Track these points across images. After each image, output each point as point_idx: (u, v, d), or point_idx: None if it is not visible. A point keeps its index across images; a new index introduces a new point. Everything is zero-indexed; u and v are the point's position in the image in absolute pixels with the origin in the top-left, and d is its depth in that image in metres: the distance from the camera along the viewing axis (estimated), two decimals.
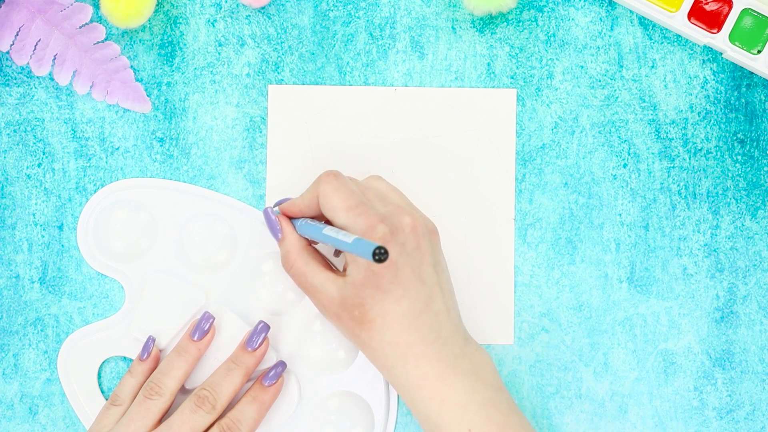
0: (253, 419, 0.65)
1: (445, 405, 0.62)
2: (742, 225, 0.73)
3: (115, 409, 0.66)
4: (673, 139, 0.73)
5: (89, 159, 0.73)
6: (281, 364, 0.68)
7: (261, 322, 0.68)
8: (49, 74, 0.72)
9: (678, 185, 0.73)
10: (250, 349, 0.67)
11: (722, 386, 0.72)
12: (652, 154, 0.73)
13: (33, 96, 0.72)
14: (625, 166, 0.73)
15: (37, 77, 0.72)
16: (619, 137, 0.73)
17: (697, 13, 0.72)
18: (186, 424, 0.64)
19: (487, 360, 0.64)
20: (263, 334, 0.67)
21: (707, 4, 0.72)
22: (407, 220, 0.63)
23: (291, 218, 0.67)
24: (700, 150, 0.73)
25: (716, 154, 0.73)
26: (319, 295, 0.64)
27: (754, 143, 0.73)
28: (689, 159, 0.73)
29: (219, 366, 0.67)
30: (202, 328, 0.67)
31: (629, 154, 0.73)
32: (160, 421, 0.65)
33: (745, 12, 0.72)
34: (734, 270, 0.73)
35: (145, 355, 0.68)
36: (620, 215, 0.73)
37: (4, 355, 0.72)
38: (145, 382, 0.67)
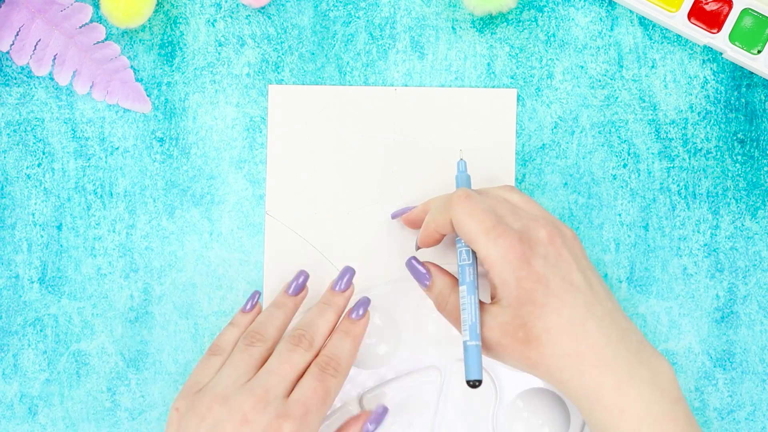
0: (349, 352, 0.66)
1: (623, 417, 0.59)
2: (742, 225, 0.73)
3: (216, 359, 0.66)
4: (673, 139, 0.73)
5: (89, 159, 0.72)
6: (366, 300, 0.68)
7: (347, 267, 0.69)
8: (49, 74, 0.72)
9: (678, 185, 0.73)
10: (338, 290, 0.68)
11: (723, 386, 0.72)
12: (652, 154, 0.73)
13: (33, 96, 0.72)
14: (624, 166, 0.73)
15: (37, 77, 0.72)
16: (618, 137, 0.73)
17: (697, 13, 0.72)
18: (285, 363, 0.64)
19: (664, 367, 0.61)
20: (349, 276, 0.69)
21: (707, 4, 0.72)
22: (543, 233, 0.61)
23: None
24: (700, 150, 0.73)
25: (716, 154, 0.73)
26: (482, 326, 0.63)
27: (754, 143, 0.73)
28: (689, 159, 0.73)
29: (310, 308, 0.68)
30: (298, 284, 0.69)
31: (629, 154, 0.73)
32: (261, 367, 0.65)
33: (745, 12, 0.72)
34: (734, 270, 0.73)
35: (249, 306, 0.69)
36: (620, 215, 0.73)
37: (4, 355, 0.72)
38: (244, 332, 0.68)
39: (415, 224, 0.69)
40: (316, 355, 0.65)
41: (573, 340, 0.59)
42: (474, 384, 0.61)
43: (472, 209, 0.62)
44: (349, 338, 0.66)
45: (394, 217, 0.71)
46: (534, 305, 0.60)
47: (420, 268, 0.67)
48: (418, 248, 0.70)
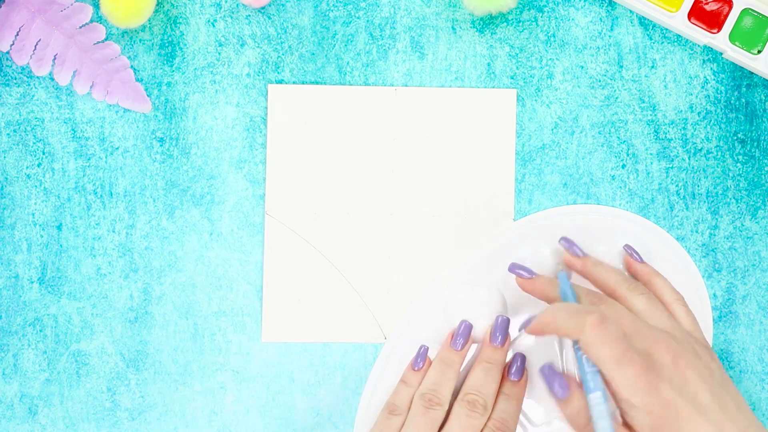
0: (515, 414, 0.66)
1: None
2: (742, 225, 0.73)
3: (396, 419, 0.66)
4: (672, 139, 0.73)
5: (89, 159, 0.72)
6: (520, 356, 0.68)
7: (500, 316, 0.67)
8: (49, 74, 0.72)
9: (677, 185, 0.73)
10: (496, 345, 0.67)
11: None
12: (651, 154, 0.73)
13: (33, 96, 0.72)
14: (623, 166, 0.73)
15: (37, 77, 0.72)
16: (618, 138, 0.73)
17: (697, 13, 0.72)
18: (466, 429, 0.65)
19: None
20: (504, 327, 0.67)
21: (707, 4, 0.72)
22: (667, 358, 0.60)
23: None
24: (700, 150, 0.73)
25: (716, 154, 0.73)
26: None
27: (755, 143, 0.73)
28: (689, 159, 0.73)
29: (472, 368, 0.67)
30: (465, 337, 0.68)
31: (628, 155, 0.73)
32: (440, 429, 0.66)
33: (745, 12, 0.72)
34: (733, 270, 0.73)
35: (420, 363, 0.68)
36: None
37: (4, 355, 0.72)
38: (416, 390, 0.68)
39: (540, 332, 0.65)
40: (489, 418, 0.66)
41: None
42: None
43: (606, 337, 0.60)
44: (513, 400, 0.67)
45: (521, 329, 0.69)
46: (663, 429, 0.59)
47: (560, 379, 0.63)
48: (520, 330, 0.68)
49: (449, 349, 0.68)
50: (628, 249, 0.67)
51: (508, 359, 0.68)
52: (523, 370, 0.67)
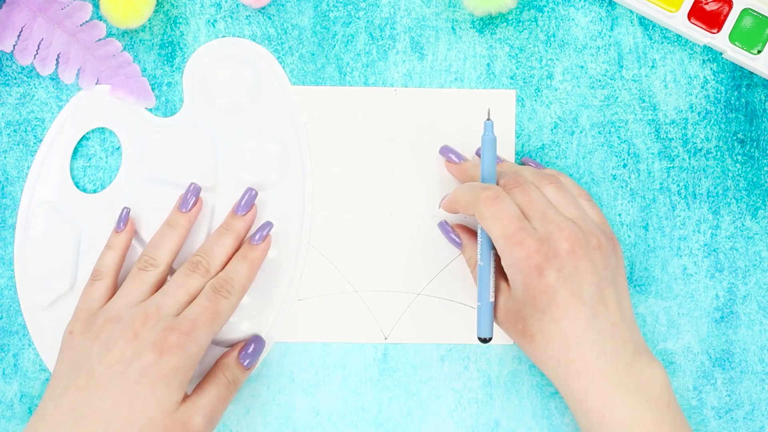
0: (245, 276, 0.66)
1: (605, 421, 0.61)
2: (743, 225, 0.73)
3: (99, 283, 0.67)
4: (673, 139, 0.73)
5: (89, 159, 0.73)
6: (268, 224, 0.68)
7: (249, 188, 0.69)
8: (52, 73, 0.72)
9: (678, 185, 0.73)
10: (239, 214, 0.68)
11: (722, 386, 0.72)
12: (652, 154, 0.73)
13: (33, 96, 0.73)
14: (624, 166, 0.73)
15: (37, 77, 0.72)
16: (618, 137, 0.73)
17: (697, 13, 0.72)
18: (181, 287, 0.65)
19: (656, 376, 0.62)
20: (249, 198, 0.69)
21: (707, 4, 0.72)
22: (564, 246, 0.62)
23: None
24: (700, 150, 0.73)
25: (716, 154, 0.73)
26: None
27: (755, 143, 0.73)
28: (689, 159, 0.73)
29: (211, 234, 0.68)
30: (188, 200, 0.68)
31: (629, 155, 0.73)
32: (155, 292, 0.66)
33: (745, 12, 0.72)
34: (734, 270, 0.73)
35: (121, 225, 0.69)
36: (620, 215, 0.73)
37: (4, 355, 0.72)
38: (124, 254, 0.68)
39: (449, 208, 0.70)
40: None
41: (564, 348, 0.62)
42: (485, 340, 0.66)
43: (497, 213, 0.62)
44: (246, 262, 0.67)
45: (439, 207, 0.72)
46: (535, 309, 0.62)
47: (452, 234, 0.70)
48: (440, 207, 0.72)
49: (176, 211, 0.68)
50: (527, 160, 0.71)
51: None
52: (266, 236, 0.68)
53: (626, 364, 0.62)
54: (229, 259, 0.67)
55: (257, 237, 0.68)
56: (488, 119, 0.67)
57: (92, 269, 0.68)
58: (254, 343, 0.69)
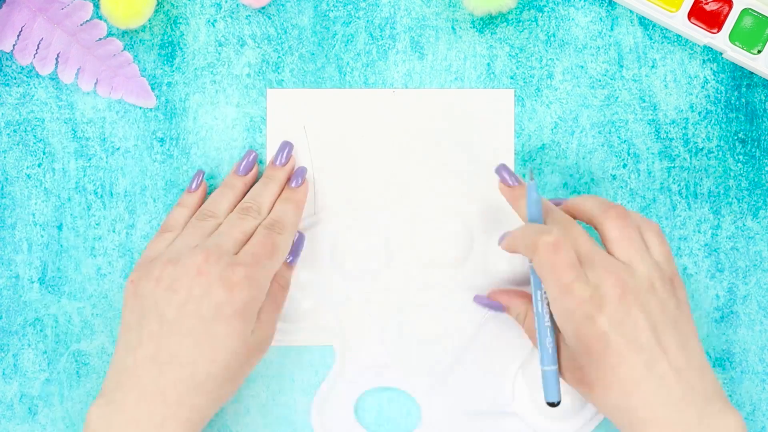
0: (293, 214, 0.69)
1: None
2: (744, 225, 0.73)
3: (168, 235, 0.69)
4: (673, 139, 0.73)
5: (89, 159, 0.73)
6: (303, 169, 0.72)
7: (284, 141, 0.72)
8: (52, 73, 0.72)
9: (678, 185, 0.73)
10: (279, 164, 0.71)
11: (722, 386, 0.72)
12: (652, 154, 0.73)
13: (33, 96, 0.72)
14: (624, 166, 0.73)
15: (37, 77, 0.72)
16: (618, 137, 0.73)
17: (697, 13, 0.72)
18: (236, 227, 0.67)
19: (730, 427, 0.60)
20: (288, 150, 0.71)
21: (707, 4, 0.72)
22: (613, 293, 0.60)
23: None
24: (701, 150, 0.73)
25: (717, 154, 0.73)
26: None
27: (755, 143, 0.73)
28: (690, 159, 0.73)
29: (255, 184, 0.71)
30: (248, 163, 0.71)
31: (629, 155, 0.73)
32: None
33: (745, 12, 0.72)
34: (734, 270, 0.73)
35: (194, 185, 0.71)
36: None
37: (4, 355, 0.72)
38: (193, 214, 0.70)
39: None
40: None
41: (625, 395, 0.60)
42: (554, 404, 0.64)
43: (556, 264, 0.61)
44: (291, 203, 0.70)
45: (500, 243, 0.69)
46: (591, 356, 0.60)
47: (492, 303, 0.70)
48: (499, 245, 0.68)
49: (233, 174, 0.71)
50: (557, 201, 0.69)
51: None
52: (303, 180, 0.71)
53: (696, 412, 0.59)
54: (274, 203, 0.70)
55: (297, 182, 0.71)
56: (531, 180, 0.65)
57: (163, 222, 0.70)
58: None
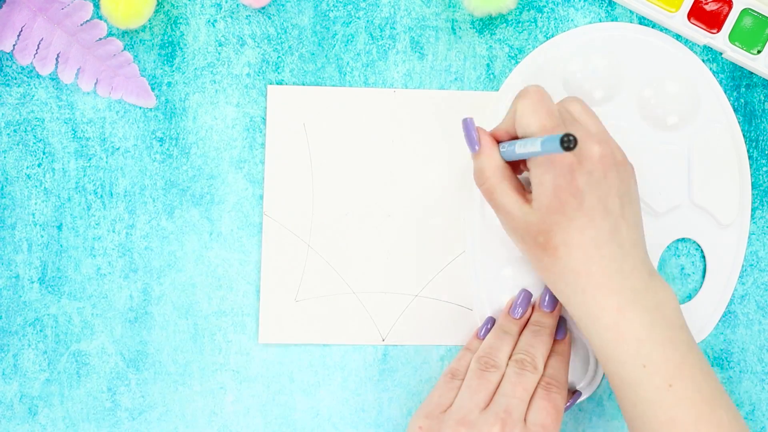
0: (564, 370, 0.69)
1: (622, 338, 0.61)
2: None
3: (457, 382, 0.68)
4: None
5: (89, 159, 0.73)
6: (562, 319, 0.71)
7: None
8: (52, 73, 0.72)
9: None
10: (548, 311, 0.70)
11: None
12: None
13: (33, 96, 0.72)
14: None
15: (38, 77, 0.72)
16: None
17: (697, 13, 0.72)
18: (518, 386, 0.66)
19: (670, 298, 0.63)
20: (553, 298, 0.70)
21: (707, 4, 0.72)
22: (596, 150, 0.62)
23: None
24: None
25: None
26: (507, 215, 0.64)
27: (753, 143, 0.73)
28: None
29: (524, 332, 0.70)
30: (524, 305, 0.71)
31: None
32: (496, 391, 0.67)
33: (745, 12, 0.72)
34: None
35: (483, 332, 0.71)
36: None
37: (4, 355, 0.72)
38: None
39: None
40: (541, 376, 0.68)
41: (587, 259, 0.62)
42: (567, 143, 0.57)
43: (538, 105, 0.62)
44: (561, 358, 0.69)
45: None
46: (562, 216, 0.62)
47: (473, 133, 0.67)
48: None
49: (507, 317, 0.71)
50: None
51: None
52: (565, 331, 0.70)
53: (643, 283, 0.62)
54: (548, 354, 0.69)
55: (561, 332, 0.70)
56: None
57: (449, 366, 0.70)
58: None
